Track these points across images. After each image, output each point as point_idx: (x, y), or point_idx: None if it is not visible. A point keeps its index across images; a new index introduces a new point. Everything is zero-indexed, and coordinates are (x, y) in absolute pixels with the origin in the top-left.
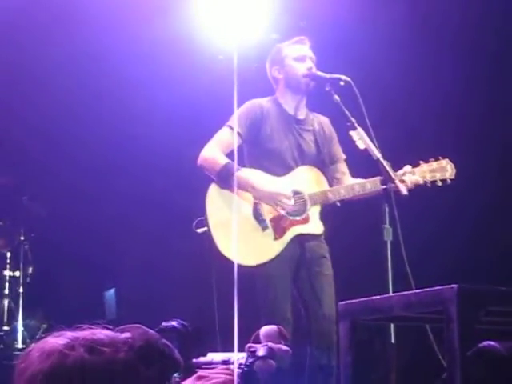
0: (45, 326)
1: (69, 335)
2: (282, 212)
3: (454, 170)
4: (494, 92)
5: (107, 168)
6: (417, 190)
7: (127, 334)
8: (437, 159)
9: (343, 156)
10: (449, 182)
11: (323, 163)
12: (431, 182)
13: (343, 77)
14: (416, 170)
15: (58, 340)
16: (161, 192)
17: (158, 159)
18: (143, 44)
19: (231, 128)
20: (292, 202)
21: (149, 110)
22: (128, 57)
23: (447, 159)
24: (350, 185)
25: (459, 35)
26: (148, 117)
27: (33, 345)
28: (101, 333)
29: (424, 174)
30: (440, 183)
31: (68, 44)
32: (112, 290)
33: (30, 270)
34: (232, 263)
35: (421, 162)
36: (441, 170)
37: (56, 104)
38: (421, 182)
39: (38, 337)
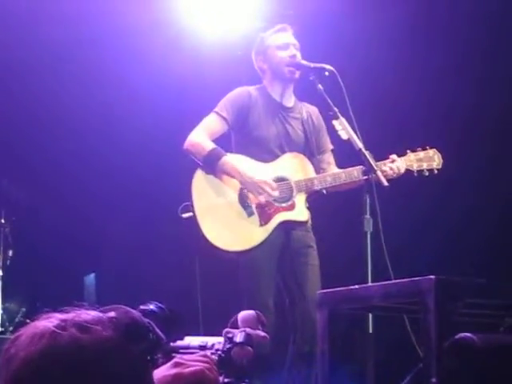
0: (24, 309)
1: (58, 316)
2: (263, 201)
3: (442, 160)
4: (484, 82)
5: (91, 151)
6: (397, 181)
7: (112, 314)
8: (424, 149)
9: (330, 146)
10: (435, 172)
11: (311, 152)
12: (418, 171)
13: (327, 66)
14: (403, 158)
15: (48, 322)
16: (145, 176)
17: (144, 143)
18: (127, 32)
19: (218, 114)
20: (276, 193)
21: (134, 96)
22: (112, 45)
23: (434, 149)
24: (337, 172)
25: (449, 24)
26: (134, 102)
27: (21, 330)
28: (87, 313)
29: (411, 163)
30: (427, 173)
31: (53, 30)
32: (92, 275)
33: (10, 253)
34: (216, 249)
35: (408, 151)
36: (428, 159)
37: (41, 87)
38: (402, 171)
39: (17, 320)
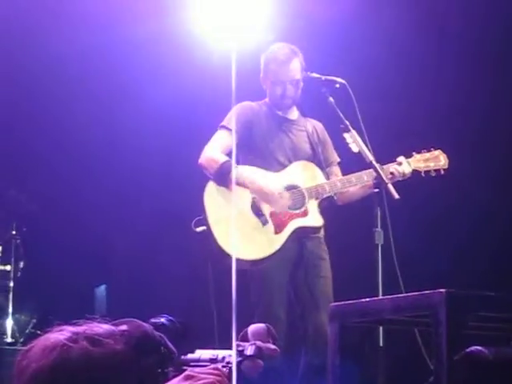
0: (34, 320)
1: (70, 329)
2: (276, 210)
3: (447, 160)
4: (493, 86)
5: (101, 164)
6: (410, 195)
7: (123, 327)
8: (429, 150)
9: (337, 159)
10: (442, 172)
11: (319, 164)
12: (425, 171)
13: (338, 79)
14: (410, 160)
15: (59, 334)
16: (155, 190)
17: (155, 156)
18: (138, 42)
19: (226, 128)
20: (287, 200)
21: (146, 108)
22: (123, 55)
23: (439, 150)
24: (347, 177)
25: (460, 31)
26: (145, 114)
27: (33, 342)
28: (98, 326)
29: (418, 163)
30: (434, 173)
31: (64, 41)
32: (103, 287)
33: (21, 264)
34: (231, 260)
35: (413, 153)
36: (434, 159)
37: (50, 99)
38: (408, 174)
39: (27, 331)
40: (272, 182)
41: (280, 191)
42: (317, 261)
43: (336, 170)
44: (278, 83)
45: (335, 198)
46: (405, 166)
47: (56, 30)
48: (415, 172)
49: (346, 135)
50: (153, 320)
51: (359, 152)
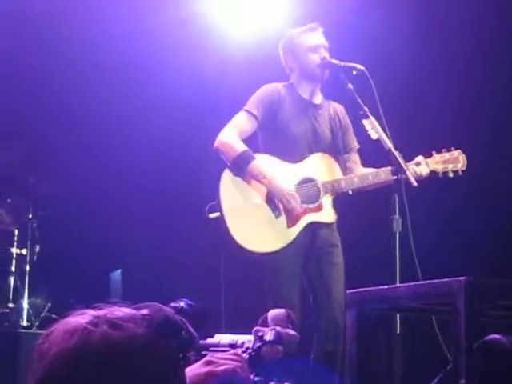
0: (50, 304)
1: (91, 313)
2: (283, 209)
3: (466, 162)
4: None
5: (117, 151)
6: (428, 181)
7: (145, 311)
8: (449, 150)
9: (357, 145)
10: (460, 173)
11: (337, 150)
12: (443, 173)
13: (358, 65)
14: (429, 160)
15: (80, 318)
16: (172, 175)
17: (170, 142)
18: (154, 28)
19: (248, 112)
20: (298, 204)
21: (161, 95)
22: (138, 44)
23: (459, 150)
24: (364, 174)
25: (479, 23)
26: (160, 101)
27: (54, 325)
28: (119, 310)
29: (437, 164)
30: (451, 174)
31: (78, 27)
32: (118, 271)
33: (37, 248)
34: (243, 249)
35: (433, 152)
36: (453, 160)
37: (69, 86)
38: (424, 175)
39: (42, 315)
40: (288, 174)
41: (292, 190)
42: (329, 248)
43: (355, 157)
44: (313, 49)
45: (350, 193)
46: (423, 166)
47: (73, 16)
48: (432, 173)
49: (364, 122)
50: (173, 304)
51: (378, 139)
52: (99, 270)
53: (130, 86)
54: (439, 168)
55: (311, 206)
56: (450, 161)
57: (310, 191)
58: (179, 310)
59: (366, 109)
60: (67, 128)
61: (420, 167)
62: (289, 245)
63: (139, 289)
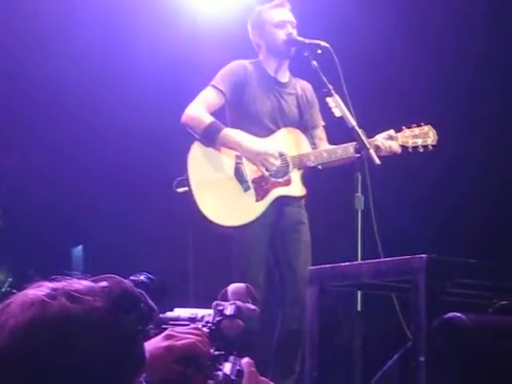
0: (10, 279)
1: (48, 285)
2: (266, 173)
3: (436, 137)
4: (484, 58)
5: (81, 124)
6: (393, 159)
7: (104, 283)
8: (419, 125)
9: (322, 122)
10: (430, 148)
11: (305, 127)
12: (413, 147)
13: (322, 43)
14: (398, 134)
15: (38, 291)
16: (137, 149)
17: (138, 117)
18: (121, 9)
19: (215, 87)
20: (278, 162)
21: (129, 72)
22: (105, 23)
23: (429, 125)
24: (333, 148)
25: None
26: (128, 78)
27: (11, 297)
28: (78, 282)
29: (406, 138)
30: (421, 149)
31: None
32: (80, 247)
33: None
34: (212, 223)
35: (403, 127)
36: (423, 135)
37: (35, 60)
38: (395, 149)
39: (3, 290)
40: (263, 146)
41: (270, 152)
42: (296, 225)
43: (321, 133)
44: (280, 25)
45: (320, 168)
46: (392, 142)
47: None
48: (402, 147)
49: (328, 99)
50: (132, 277)
51: (342, 117)
52: (61, 245)
53: (99, 63)
54: (409, 142)
55: (280, 179)
56: (420, 136)
57: (279, 165)
58: (139, 283)
59: (330, 87)
60: (32, 101)
61: (389, 141)
62: (257, 219)
63: (101, 265)
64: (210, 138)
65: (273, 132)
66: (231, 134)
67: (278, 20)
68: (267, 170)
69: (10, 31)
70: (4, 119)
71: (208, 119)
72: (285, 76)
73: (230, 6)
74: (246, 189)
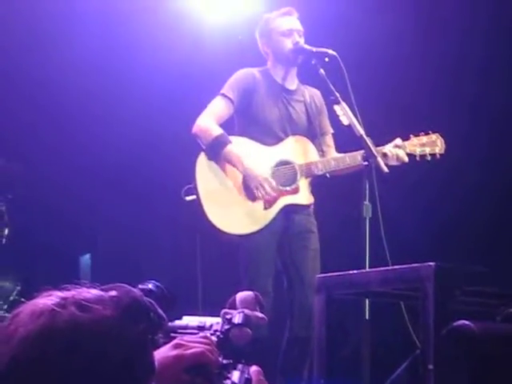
0: (19, 288)
1: (58, 294)
2: (260, 197)
3: (444, 145)
4: (488, 68)
5: (89, 132)
6: (400, 168)
7: (113, 293)
8: (427, 133)
9: (331, 130)
10: (438, 156)
11: (313, 135)
12: (420, 156)
13: (330, 51)
14: (406, 143)
15: (47, 300)
16: (146, 158)
17: (147, 126)
18: (126, 17)
19: (225, 96)
20: (271, 191)
21: (135, 80)
22: (111, 31)
23: (437, 134)
24: (341, 156)
25: (455, 6)
26: (135, 86)
27: (21, 307)
28: (88, 291)
29: (414, 147)
30: (429, 157)
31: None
32: (87, 256)
33: (6, 231)
34: (219, 231)
35: (411, 135)
36: (431, 144)
37: (39, 65)
38: (406, 159)
39: (11, 299)
40: (262, 159)
41: (266, 176)
42: (305, 233)
43: (329, 140)
44: (286, 34)
45: (328, 176)
46: (400, 149)
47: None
48: (410, 156)
49: (336, 107)
50: (140, 286)
51: (349, 125)
52: (69, 254)
53: (103, 75)
54: (417, 151)
55: (288, 188)
56: (428, 144)
57: (286, 173)
58: (147, 292)
59: (338, 94)
60: (37, 108)
61: (397, 149)
62: (265, 227)
63: (109, 274)
64: (215, 151)
65: (281, 140)
66: (234, 151)
67: (285, 28)
68: (261, 196)
69: (10, 33)
70: (9, 128)
71: (215, 132)
72: (293, 83)
73: (235, 12)
74: (254, 198)
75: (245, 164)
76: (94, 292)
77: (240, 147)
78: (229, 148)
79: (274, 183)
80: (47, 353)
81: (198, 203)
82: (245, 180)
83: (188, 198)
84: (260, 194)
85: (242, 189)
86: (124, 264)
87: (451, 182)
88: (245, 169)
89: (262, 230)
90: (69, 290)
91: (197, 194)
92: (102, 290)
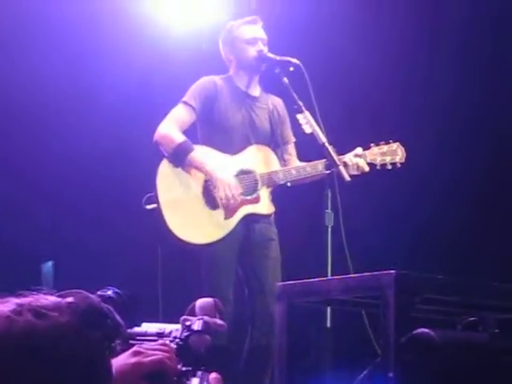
0: None
1: (14, 301)
2: (227, 202)
3: (405, 154)
4: (459, 77)
5: (53, 138)
6: (363, 176)
7: (70, 299)
8: (387, 142)
9: (293, 139)
10: (399, 165)
11: (276, 143)
12: (381, 165)
13: (293, 60)
14: (366, 152)
15: (4, 306)
16: (108, 165)
17: (109, 133)
18: (89, 23)
19: (186, 104)
20: (240, 197)
21: (97, 87)
22: (74, 37)
23: (398, 143)
24: (302, 165)
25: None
26: (96, 93)
27: None
28: (44, 298)
29: (374, 156)
30: (390, 167)
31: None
32: (49, 263)
33: None
34: (180, 240)
35: (372, 144)
36: (391, 153)
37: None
38: (366, 168)
39: None
40: (226, 166)
41: (231, 180)
42: (265, 242)
43: (291, 149)
44: (251, 42)
45: (288, 185)
46: (360, 158)
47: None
48: (370, 165)
49: (299, 116)
50: (99, 292)
51: (312, 133)
52: (30, 261)
53: (66, 81)
54: (377, 160)
55: (248, 197)
56: (389, 153)
57: (247, 183)
58: (106, 299)
59: (301, 103)
60: (4, 112)
61: (357, 158)
62: (226, 236)
63: (72, 281)
64: (179, 158)
65: (243, 148)
66: (199, 157)
67: (249, 37)
68: (230, 200)
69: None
70: None
71: (179, 139)
72: (256, 90)
73: (199, 21)
74: (215, 207)
75: (210, 170)
76: (50, 298)
77: (203, 155)
78: (192, 155)
79: (240, 187)
80: (3, 359)
81: (158, 212)
82: (206, 186)
83: (149, 207)
84: (224, 196)
85: (202, 197)
86: (86, 272)
87: (416, 190)
88: (210, 172)
89: (223, 238)
90: (26, 296)
91: (157, 203)
92: (60, 296)
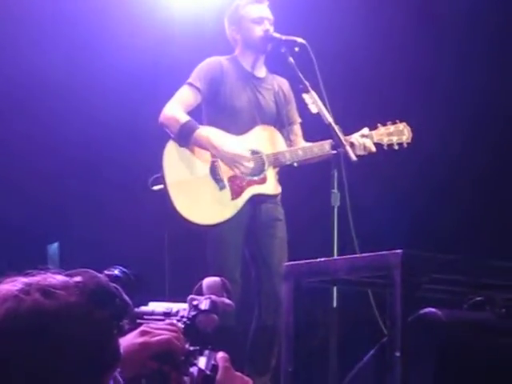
0: None
1: (22, 280)
2: (239, 174)
3: (411, 134)
4: (464, 62)
5: (60, 119)
6: (370, 156)
7: (78, 278)
8: (394, 122)
9: (299, 119)
10: (405, 145)
11: (282, 123)
12: (388, 145)
13: (299, 39)
14: (373, 132)
15: (11, 286)
16: (114, 146)
17: (116, 115)
18: (95, 8)
19: (192, 85)
20: (251, 164)
21: (105, 70)
22: (81, 21)
23: (404, 123)
24: (308, 146)
25: None
26: (104, 75)
27: None
28: (53, 277)
29: (381, 136)
30: (397, 147)
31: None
32: (55, 244)
33: None
34: (187, 221)
35: (379, 124)
36: (398, 133)
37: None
38: (373, 149)
39: None
40: (234, 145)
41: (246, 154)
42: (272, 222)
43: (297, 129)
44: (257, 21)
45: (295, 165)
46: (367, 138)
47: None
48: (377, 145)
49: (305, 96)
50: (106, 272)
51: (318, 113)
52: (37, 242)
53: (73, 63)
54: (384, 140)
55: (255, 178)
56: (395, 133)
57: (254, 163)
58: (114, 278)
59: (307, 83)
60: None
61: (364, 139)
62: (232, 217)
63: (78, 262)
64: (184, 138)
65: (249, 128)
66: (205, 134)
67: (255, 16)
68: (241, 172)
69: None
70: None
71: (183, 119)
72: (262, 71)
73: (206, 1)
74: (222, 187)
75: (217, 145)
76: (58, 278)
77: (210, 132)
78: (198, 132)
79: (249, 156)
80: (11, 339)
81: (165, 193)
82: (213, 167)
83: (155, 188)
84: (238, 171)
85: (210, 178)
86: (92, 253)
87: (423, 172)
88: (218, 149)
89: (229, 219)
90: (33, 275)
91: (164, 184)
92: (67, 275)
